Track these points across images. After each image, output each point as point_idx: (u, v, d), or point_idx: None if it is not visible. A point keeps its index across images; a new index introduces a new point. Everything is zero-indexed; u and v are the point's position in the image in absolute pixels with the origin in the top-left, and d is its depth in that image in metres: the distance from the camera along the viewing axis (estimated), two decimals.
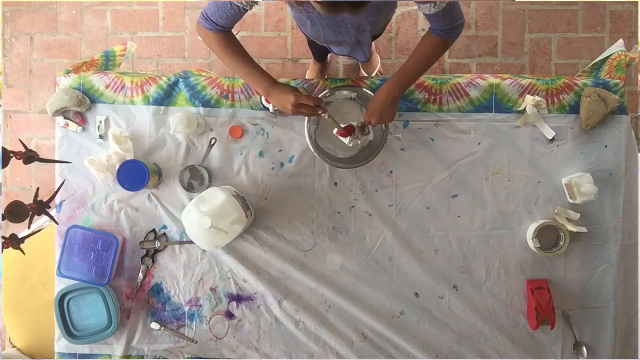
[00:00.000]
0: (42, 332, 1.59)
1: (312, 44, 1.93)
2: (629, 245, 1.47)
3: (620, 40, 1.52)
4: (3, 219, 1.17)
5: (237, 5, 1.11)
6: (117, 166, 1.39)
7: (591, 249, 1.47)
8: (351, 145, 1.35)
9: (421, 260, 1.47)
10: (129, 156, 1.43)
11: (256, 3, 1.12)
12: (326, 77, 1.50)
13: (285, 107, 1.25)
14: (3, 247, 1.20)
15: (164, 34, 2.34)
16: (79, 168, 1.46)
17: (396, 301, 1.48)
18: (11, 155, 1.19)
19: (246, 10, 1.14)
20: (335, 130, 1.33)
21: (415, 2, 1.10)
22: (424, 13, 1.15)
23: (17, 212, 1.18)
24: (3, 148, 1.18)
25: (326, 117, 1.30)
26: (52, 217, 1.29)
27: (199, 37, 1.25)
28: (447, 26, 1.17)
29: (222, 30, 1.21)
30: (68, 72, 1.48)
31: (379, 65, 2.23)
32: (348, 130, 1.32)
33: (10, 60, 2.37)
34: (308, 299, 1.48)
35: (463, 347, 1.48)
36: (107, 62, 1.57)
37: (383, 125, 1.39)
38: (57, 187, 1.46)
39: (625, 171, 1.46)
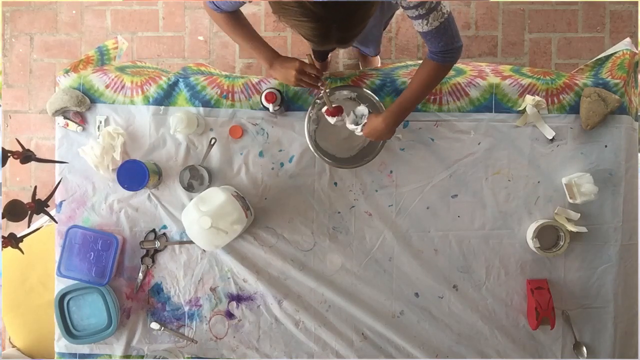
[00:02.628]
0: (42, 332, 1.59)
1: None
2: (629, 245, 1.47)
3: (628, 39, 1.51)
4: (2, 217, 1.17)
5: None
6: (105, 157, 1.39)
7: (591, 249, 1.46)
8: (337, 124, 1.33)
9: (421, 260, 1.47)
10: (115, 153, 1.42)
11: None
12: (327, 76, 1.49)
13: (288, 78, 1.27)
14: (2, 247, 1.20)
15: (164, 34, 2.34)
16: (79, 168, 1.46)
17: (396, 301, 1.48)
18: (9, 154, 1.19)
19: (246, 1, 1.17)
20: (324, 109, 1.33)
21: (408, 17, 1.09)
22: (418, 31, 1.13)
23: (15, 211, 1.18)
24: (2, 148, 1.18)
25: (325, 90, 1.30)
26: (50, 216, 1.29)
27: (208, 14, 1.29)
28: (442, 47, 1.15)
29: (227, 12, 1.24)
30: (67, 72, 1.48)
31: (379, 64, 2.23)
32: (337, 110, 1.32)
33: (10, 60, 2.37)
34: (308, 299, 1.48)
35: (463, 347, 1.48)
36: (102, 57, 1.57)
37: None
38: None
39: (626, 171, 1.46)
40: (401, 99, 1.26)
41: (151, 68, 1.63)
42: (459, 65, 1.55)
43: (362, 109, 1.33)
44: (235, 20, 1.27)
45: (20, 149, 1.22)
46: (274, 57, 1.29)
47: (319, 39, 0.94)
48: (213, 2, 1.21)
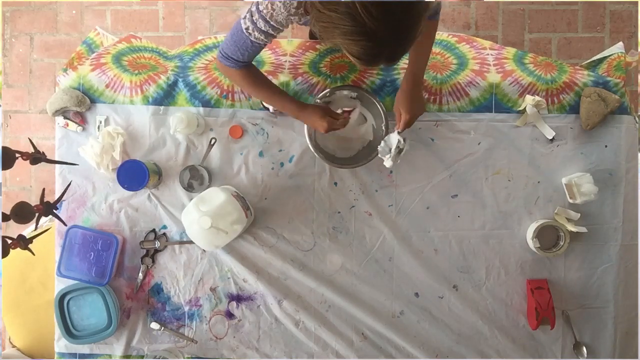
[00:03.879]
0: (42, 332, 1.59)
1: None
2: (629, 245, 1.47)
3: (620, 43, 1.52)
4: (6, 219, 1.16)
5: (258, 43, 1.12)
6: (104, 157, 1.39)
7: (591, 249, 1.47)
8: (390, 163, 1.32)
9: (421, 260, 1.47)
10: (114, 153, 1.42)
11: (274, 36, 1.12)
12: (328, 73, 1.49)
13: (318, 128, 1.30)
14: (10, 248, 1.19)
15: (164, 34, 2.34)
16: (79, 168, 1.46)
17: (396, 301, 1.48)
18: (17, 155, 1.17)
19: (266, 44, 1.14)
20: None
21: None
22: None
23: (23, 213, 1.17)
24: (9, 149, 1.16)
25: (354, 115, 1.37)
26: (60, 219, 1.28)
27: (222, 73, 1.30)
28: (434, 10, 1.20)
29: (244, 66, 1.22)
30: (65, 70, 1.48)
31: None
32: (350, 111, 1.38)
33: (10, 60, 2.37)
34: (308, 299, 1.48)
35: (463, 347, 1.48)
36: (91, 49, 1.57)
37: (383, 125, 1.39)
38: (57, 187, 1.46)
39: (627, 171, 1.46)
40: (412, 59, 1.26)
41: (148, 50, 1.61)
42: (462, 46, 1.54)
43: (393, 139, 1.30)
44: (253, 75, 1.27)
45: (30, 150, 1.20)
46: (298, 109, 1.31)
47: (369, 58, 0.90)
48: (230, 58, 1.18)
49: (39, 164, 1.21)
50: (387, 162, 1.31)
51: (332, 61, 1.49)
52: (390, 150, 1.30)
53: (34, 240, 1.24)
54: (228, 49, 1.16)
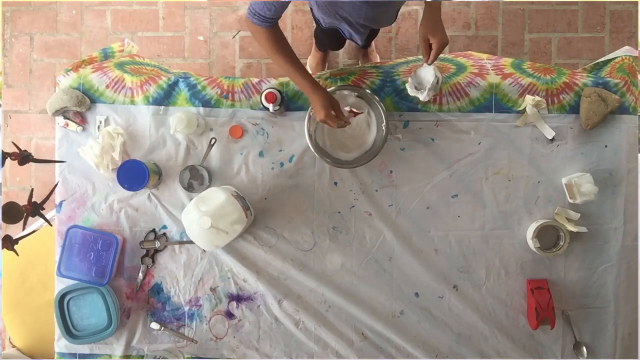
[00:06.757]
0: (42, 332, 1.59)
1: (319, 32, 1.91)
2: (630, 246, 1.47)
3: (627, 47, 1.53)
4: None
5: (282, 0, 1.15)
6: (104, 157, 1.39)
7: (591, 249, 1.47)
8: (427, 97, 1.33)
9: (421, 260, 1.47)
10: (114, 153, 1.42)
11: None
12: (327, 75, 1.49)
13: (317, 115, 1.31)
14: None
15: (164, 34, 2.34)
16: (79, 168, 1.46)
17: (396, 301, 1.48)
18: (6, 156, 1.18)
19: (290, 1, 1.17)
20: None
21: None
22: None
23: (11, 212, 1.17)
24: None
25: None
26: (46, 219, 1.27)
27: (250, 33, 1.29)
28: None
29: (271, 25, 1.23)
30: (68, 71, 1.48)
31: (377, 60, 2.23)
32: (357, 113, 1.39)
33: (10, 60, 2.37)
34: (308, 299, 1.48)
35: (463, 347, 1.48)
36: (106, 59, 1.57)
37: (383, 125, 1.39)
38: (57, 187, 1.46)
39: (628, 172, 1.46)
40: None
41: (150, 65, 1.62)
42: (459, 59, 1.55)
43: (425, 72, 1.31)
44: (278, 40, 1.27)
45: (17, 150, 1.21)
46: (309, 89, 1.30)
47: None
48: (258, 14, 1.20)
49: (38, 165, 1.21)
50: (424, 96, 1.32)
51: (332, 71, 1.50)
52: (418, 85, 1.32)
53: (32, 240, 1.24)
54: (256, 5, 1.19)
